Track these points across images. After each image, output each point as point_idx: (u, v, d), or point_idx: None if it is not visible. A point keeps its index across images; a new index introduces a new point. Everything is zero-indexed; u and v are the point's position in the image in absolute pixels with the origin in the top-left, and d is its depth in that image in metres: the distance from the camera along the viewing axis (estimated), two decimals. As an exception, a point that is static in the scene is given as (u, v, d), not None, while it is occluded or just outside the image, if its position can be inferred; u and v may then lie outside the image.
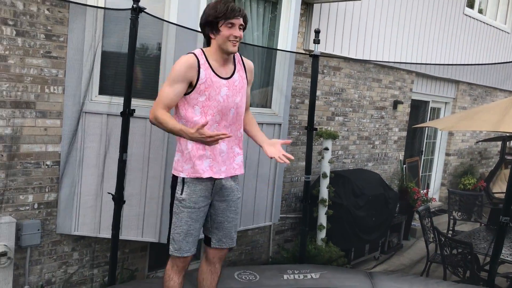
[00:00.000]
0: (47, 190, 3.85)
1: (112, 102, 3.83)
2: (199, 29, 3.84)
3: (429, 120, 8.62)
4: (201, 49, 2.89)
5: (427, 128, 8.66)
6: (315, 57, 4.56)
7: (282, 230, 5.95)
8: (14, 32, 3.51)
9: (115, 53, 3.97)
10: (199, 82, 2.77)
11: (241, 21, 2.80)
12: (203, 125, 2.55)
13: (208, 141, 2.58)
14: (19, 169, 3.68)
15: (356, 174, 6.21)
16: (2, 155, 3.59)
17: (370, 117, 7.02)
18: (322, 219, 5.46)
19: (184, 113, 2.83)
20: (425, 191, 8.03)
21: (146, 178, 3.96)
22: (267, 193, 4.83)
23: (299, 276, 4.04)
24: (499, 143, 9.58)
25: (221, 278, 3.20)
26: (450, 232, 6.78)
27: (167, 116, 2.73)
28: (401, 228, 7.11)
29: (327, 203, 5.44)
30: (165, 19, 3.79)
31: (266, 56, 4.79)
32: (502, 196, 6.55)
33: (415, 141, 8.64)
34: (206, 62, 2.82)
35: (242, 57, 3.07)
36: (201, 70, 2.78)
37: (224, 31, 2.77)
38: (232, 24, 2.77)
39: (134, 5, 3.40)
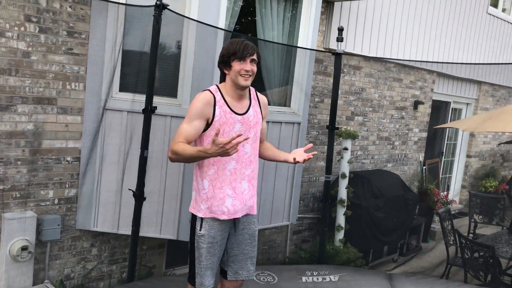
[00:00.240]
0: (67, 186, 3.88)
1: (134, 99, 3.84)
2: (219, 27, 3.86)
3: (450, 121, 8.48)
4: (217, 86, 2.92)
5: (448, 129, 8.52)
6: (337, 55, 4.51)
7: (299, 230, 5.91)
8: (37, 29, 3.55)
9: (135, 51, 3.99)
10: (214, 119, 2.80)
11: (253, 56, 2.82)
12: (217, 134, 2.53)
13: (228, 149, 2.56)
14: (40, 164, 3.72)
15: (375, 175, 6.14)
16: (24, 151, 3.62)
17: (390, 117, 6.93)
18: (341, 220, 5.41)
19: None
20: (445, 193, 7.90)
21: (165, 176, 3.97)
22: (285, 193, 4.80)
23: (317, 279, 4.00)
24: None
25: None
26: (471, 235, 6.66)
27: (184, 145, 2.73)
28: (420, 230, 7.00)
29: (345, 204, 5.38)
30: (186, 16, 3.79)
31: (286, 54, 4.76)
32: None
33: (436, 142, 8.51)
34: (222, 99, 2.85)
35: (257, 92, 3.08)
36: (216, 107, 2.81)
37: (236, 66, 2.80)
38: (243, 59, 2.79)
39: (158, 2, 3.40)
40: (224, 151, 2.55)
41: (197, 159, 2.75)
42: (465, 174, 9.19)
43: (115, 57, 3.83)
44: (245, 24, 4.70)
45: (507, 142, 9.15)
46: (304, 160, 2.94)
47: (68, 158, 3.86)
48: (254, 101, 3.00)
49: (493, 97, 9.23)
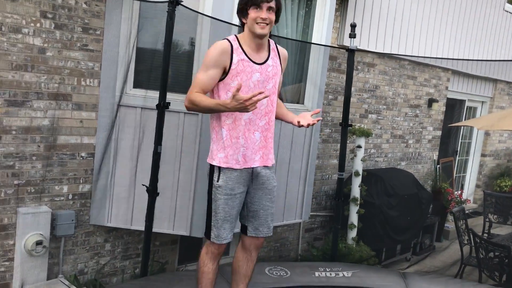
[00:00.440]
0: (81, 181, 3.91)
1: (147, 95, 3.85)
2: (234, 22, 3.85)
3: (465, 119, 8.38)
4: (235, 35, 2.89)
5: (462, 127, 8.43)
6: (351, 52, 4.47)
7: (311, 228, 5.89)
8: (53, 25, 3.57)
9: (149, 47, 4.00)
10: (231, 67, 2.77)
11: (270, 4, 2.76)
12: (238, 89, 2.51)
13: (248, 105, 2.53)
14: (55, 160, 3.75)
15: (389, 173, 6.09)
16: (39, 146, 3.65)
17: (404, 115, 6.87)
18: (353, 218, 5.38)
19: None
20: (459, 192, 7.82)
21: (179, 171, 3.98)
22: (298, 190, 4.78)
23: (330, 274, 3.98)
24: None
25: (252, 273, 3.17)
26: (485, 235, 6.58)
27: (202, 96, 2.73)
28: (433, 230, 6.94)
29: (358, 202, 5.35)
30: (200, 12, 3.79)
31: (300, 51, 4.74)
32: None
33: (450, 141, 8.42)
34: (240, 47, 2.81)
35: (277, 45, 3.04)
36: (234, 55, 2.77)
37: (252, 13, 2.76)
38: (260, 7, 2.74)
39: (171, -2, 3.40)
40: (243, 107, 2.53)
41: (214, 111, 2.73)
42: (479, 173, 9.09)
43: (129, 54, 3.85)
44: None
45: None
46: (308, 125, 2.86)
47: (83, 154, 3.88)
48: (273, 52, 2.95)
49: (509, 96, 9.11)
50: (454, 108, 8.24)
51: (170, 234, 4.25)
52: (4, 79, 3.41)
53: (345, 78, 5.43)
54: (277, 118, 3.15)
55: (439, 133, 7.69)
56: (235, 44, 2.81)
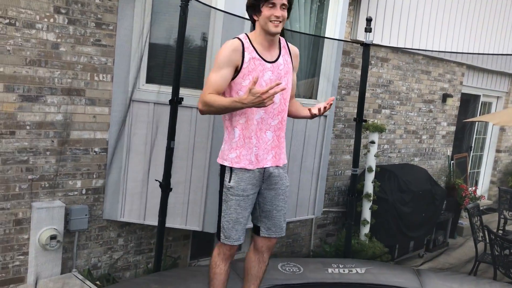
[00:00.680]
0: (94, 176, 3.92)
1: (160, 91, 3.85)
2: (247, 17, 3.82)
3: (480, 115, 8.27)
4: (246, 34, 2.84)
5: (477, 123, 8.32)
6: (366, 46, 4.42)
7: (323, 224, 5.87)
8: (66, 20, 3.57)
9: (162, 42, 3.99)
10: (243, 66, 2.73)
11: (283, 1, 2.70)
12: (254, 82, 2.46)
13: (265, 98, 2.48)
14: (69, 155, 3.76)
15: (402, 169, 6.03)
16: (53, 141, 3.67)
17: (418, 111, 6.80)
18: (366, 214, 5.34)
19: None
20: (473, 188, 7.73)
21: (191, 167, 3.97)
22: (310, 186, 4.75)
23: (344, 270, 3.95)
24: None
25: (265, 269, 3.16)
26: (500, 231, 6.50)
27: (215, 96, 2.67)
28: (447, 226, 6.87)
29: (371, 198, 5.31)
30: (213, 6, 3.77)
31: (313, 46, 4.69)
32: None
33: (464, 137, 8.32)
34: (251, 46, 2.77)
35: (288, 42, 2.99)
36: (245, 53, 2.73)
37: (265, 11, 2.70)
38: (274, 4, 2.68)
39: (184, -7, 3.38)
40: (260, 101, 2.48)
41: (230, 110, 2.67)
42: (494, 169, 8.98)
43: (141, 49, 3.84)
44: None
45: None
46: (319, 110, 2.79)
47: (96, 149, 3.89)
48: (284, 50, 2.91)
49: (525, 91, 8.97)
50: (468, 103, 8.14)
51: (183, 229, 4.25)
52: (18, 74, 3.43)
53: (358, 73, 5.40)
54: (293, 116, 3.12)
55: (453, 128, 7.60)
56: (246, 43, 2.76)
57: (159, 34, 3.96)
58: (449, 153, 7.63)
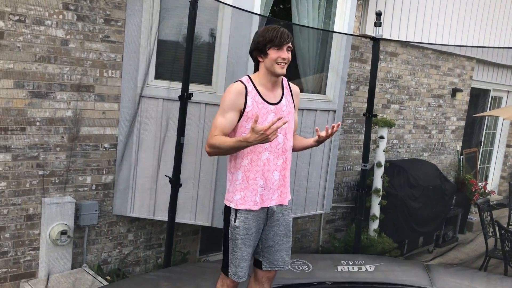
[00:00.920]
0: (104, 172, 3.94)
1: (170, 87, 3.85)
2: (255, 11, 3.81)
3: (490, 109, 8.20)
4: (248, 76, 2.86)
5: (487, 118, 8.25)
6: (375, 40, 4.39)
7: (332, 219, 5.86)
8: (75, 17, 3.58)
9: (170, 38, 3.99)
10: (246, 110, 2.75)
11: (288, 44, 2.76)
12: (255, 121, 2.49)
13: (268, 134, 2.50)
14: (78, 151, 3.78)
15: (412, 164, 6.00)
16: (63, 137, 3.69)
17: (427, 106, 6.75)
18: (375, 209, 5.32)
19: None
20: (483, 183, 7.68)
21: (200, 163, 3.98)
22: (319, 182, 4.74)
23: (353, 268, 3.93)
24: None
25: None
26: (511, 226, 6.45)
27: (221, 137, 2.70)
28: (457, 221, 6.84)
29: (380, 193, 5.29)
30: (222, 1, 3.76)
31: (321, 41, 4.67)
32: None
33: (474, 131, 8.26)
34: (254, 89, 2.79)
35: (289, 82, 3.01)
36: (248, 97, 2.75)
37: (272, 54, 2.73)
38: (280, 47, 2.73)
39: (193, -12, 3.37)
40: (265, 137, 2.50)
41: (236, 149, 2.71)
42: (504, 165, 8.91)
43: (151, 44, 3.85)
44: (279, 11, 4.63)
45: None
46: (326, 132, 2.81)
47: (106, 145, 3.91)
48: (286, 91, 2.94)
49: (536, 85, 8.88)
50: (478, 98, 8.07)
51: (192, 225, 4.26)
52: (28, 71, 3.45)
53: (367, 68, 5.37)
54: (298, 149, 3.12)
55: (462, 123, 7.54)
56: (249, 86, 2.79)
57: (168, 30, 3.96)
58: (459, 148, 7.58)
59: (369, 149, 4.68)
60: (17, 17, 3.34)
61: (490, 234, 5.43)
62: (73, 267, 3.83)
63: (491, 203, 6.25)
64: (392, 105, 6.22)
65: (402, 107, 6.36)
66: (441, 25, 6.45)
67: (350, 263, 4.02)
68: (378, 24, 4.35)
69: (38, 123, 3.55)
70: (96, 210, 3.87)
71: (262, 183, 2.81)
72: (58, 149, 3.68)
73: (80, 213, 3.79)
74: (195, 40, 3.85)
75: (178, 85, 3.63)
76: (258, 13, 3.91)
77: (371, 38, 4.46)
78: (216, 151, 2.75)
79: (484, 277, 4.08)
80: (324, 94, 4.67)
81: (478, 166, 8.19)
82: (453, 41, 6.67)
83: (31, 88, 3.48)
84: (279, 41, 2.71)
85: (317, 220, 5.70)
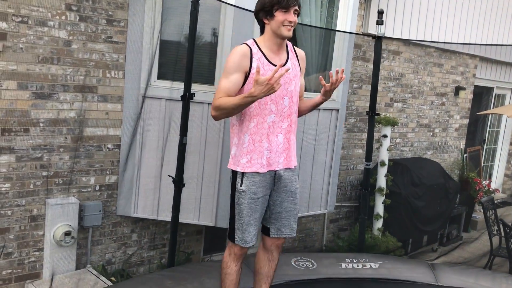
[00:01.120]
0: (108, 172, 3.94)
1: (172, 87, 3.85)
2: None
3: (493, 107, 8.17)
4: (253, 39, 2.85)
5: (490, 115, 8.22)
6: (378, 39, 4.38)
7: (336, 218, 5.85)
8: (78, 18, 3.59)
9: (173, 38, 3.99)
10: (251, 71, 2.74)
11: (296, 7, 2.74)
12: (258, 72, 2.48)
13: (273, 83, 2.49)
14: (82, 151, 3.79)
15: (415, 163, 5.99)
16: (66, 138, 3.69)
17: (430, 104, 6.73)
18: (379, 208, 5.31)
19: None
20: (487, 181, 7.65)
21: (203, 162, 3.98)
22: (322, 181, 4.74)
23: (357, 265, 3.94)
24: None
25: (278, 265, 3.15)
26: (515, 225, 6.43)
27: (226, 98, 2.69)
28: (461, 220, 6.82)
29: (384, 192, 5.28)
30: (224, 1, 3.75)
31: (324, 40, 4.66)
32: None
33: (477, 130, 8.23)
34: (259, 51, 2.78)
35: (294, 46, 3.00)
36: (253, 59, 2.75)
37: (279, 16, 2.72)
38: (287, 9, 2.71)
39: (195, -12, 3.37)
40: (270, 88, 2.50)
41: (242, 107, 2.68)
42: (508, 163, 8.88)
43: (153, 45, 3.85)
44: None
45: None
46: (332, 85, 2.82)
47: (109, 146, 3.91)
48: (292, 54, 2.93)
49: (539, 82, 8.84)
50: (481, 96, 8.04)
51: (196, 225, 4.26)
52: (32, 72, 3.45)
53: (369, 67, 5.35)
54: (306, 110, 3.13)
55: (466, 121, 7.52)
56: (254, 48, 2.78)
57: (170, 30, 3.96)
58: (462, 146, 7.56)
59: (372, 148, 4.67)
60: (20, 18, 3.35)
61: (495, 232, 5.41)
62: (77, 268, 3.83)
63: (495, 201, 6.23)
64: (395, 104, 6.21)
65: (405, 106, 6.35)
66: (443, 23, 6.43)
67: (354, 261, 4.02)
68: (380, 22, 4.34)
69: (41, 124, 3.56)
70: (100, 211, 3.87)
71: (267, 146, 2.80)
72: (61, 150, 3.68)
73: (84, 214, 3.80)
74: (197, 40, 3.85)
75: (180, 85, 3.64)
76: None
77: (374, 36, 4.45)
78: (221, 112, 2.72)
79: (489, 275, 4.07)
80: (327, 93, 4.66)
81: (482, 164, 8.17)
82: (456, 39, 6.66)
83: (35, 89, 3.48)
84: (286, 3, 2.69)
85: (320, 220, 5.69)
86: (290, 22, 2.72)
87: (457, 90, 7.08)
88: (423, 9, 6.10)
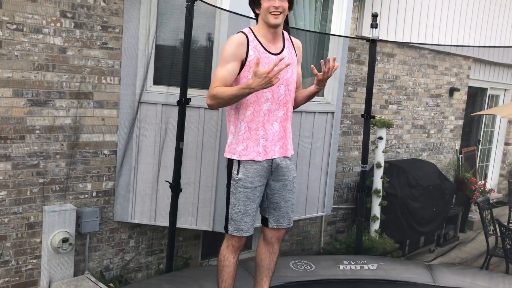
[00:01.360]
0: (104, 178, 3.94)
1: (168, 92, 3.86)
2: (252, 16, 3.82)
3: (487, 108, 8.23)
4: (250, 28, 2.87)
5: (485, 116, 8.27)
6: (372, 42, 4.41)
7: (333, 221, 5.86)
8: (73, 24, 3.59)
9: (168, 44, 4.00)
10: (248, 59, 2.75)
11: None
12: (257, 64, 2.49)
13: (271, 77, 2.50)
14: (78, 158, 3.78)
15: (411, 164, 6.02)
16: (63, 145, 3.69)
17: (425, 105, 6.77)
18: (376, 210, 5.33)
19: None
20: (482, 182, 7.69)
21: (200, 167, 3.98)
22: (319, 183, 4.75)
23: (355, 267, 3.95)
24: None
25: (276, 267, 3.17)
26: (511, 225, 6.46)
27: (222, 88, 2.69)
28: (457, 220, 6.85)
29: (381, 194, 5.30)
30: (219, 7, 3.77)
31: (318, 44, 4.69)
32: None
33: (472, 130, 8.28)
34: (255, 39, 2.79)
35: (291, 36, 3.01)
36: (249, 47, 2.75)
37: (264, 3, 2.73)
38: None
39: (190, -6, 3.39)
40: (268, 81, 2.51)
41: (238, 98, 2.68)
42: (503, 163, 8.93)
43: (148, 50, 3.86)
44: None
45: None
46: (324, 74, 2.79)
47: (105, 152, 3.91)
48: (288, 43, 2.94)
49: (533, 82, 8.91)
50: (476, 96, 8.10)
51: (193, 230, 4.26)
52: (27, 79, 3.45)
53: (364, 69, 5.39)
54: (303, 100, 3.11)
55: (461, 122, 7.56)
56: (251, 36, 2.79)
57: (165, 35, 3.97)
58: (457, 147, 7.60)
59: (368, 150, 4.69)
60: (14, 26, 3.35)
61: (491, 232, 5.44)
62: (75, 275, 3.82)
63: (491, 201, 6.26)
64: (390, 106, 6.24)
65: (400, 108, 6.38)
66: (437, 25, 6.48)
67: (352, 263, 4.04)
68: (374, 25, 4.37)
69: (37, 131, 3.56)
70: (97, 217, 3.87)
71: (263, 134, 2.81)
72: (58, 156, 3.68)
73: (81, 220, 3.79)
74: (192, 44, 3.86)
75: (176, 90, 3.65)
76: (255, 17, 3.91)
77: (368, 39, 4.48)
78: (217, 101, 2.72)
79: (486, 275, 4.11)
80: (322, 96, 4.69)
81: (477, 164, 8.21)
82: (449, 41, 6.70)
83: (30, 96, 3.48)
84: None
85: (318, 222, 5.70)
86: (276, 8, 2.70)
87: (452, 91, 7.12)
88: (417, 11, 6.14)
